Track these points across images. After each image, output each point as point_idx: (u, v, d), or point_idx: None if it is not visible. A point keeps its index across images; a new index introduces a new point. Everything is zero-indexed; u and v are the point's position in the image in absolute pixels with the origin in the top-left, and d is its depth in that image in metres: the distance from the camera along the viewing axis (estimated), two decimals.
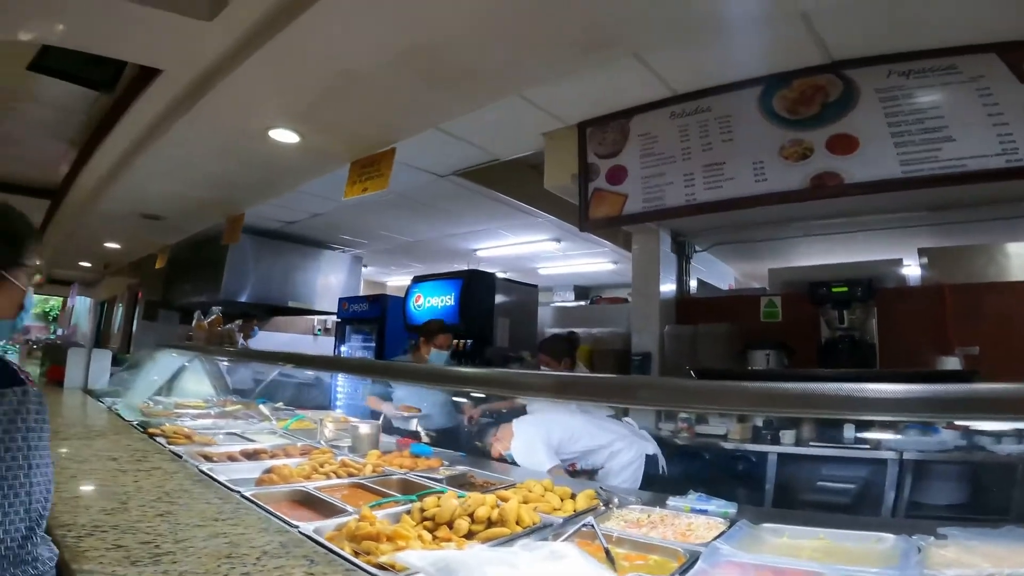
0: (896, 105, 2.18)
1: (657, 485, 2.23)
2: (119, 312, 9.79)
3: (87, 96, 4.03)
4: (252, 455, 2.33)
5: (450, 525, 1.58)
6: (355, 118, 2.98)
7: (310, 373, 5.61)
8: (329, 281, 7.01)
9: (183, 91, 2.90)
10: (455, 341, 4.22)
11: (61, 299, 13.89)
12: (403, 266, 8.19)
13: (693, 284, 4.18)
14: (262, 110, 2.98)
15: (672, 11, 2.02)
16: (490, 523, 1.58)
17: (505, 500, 1.68)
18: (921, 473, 2.54)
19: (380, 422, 2.84)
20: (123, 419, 2.97)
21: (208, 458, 2.23)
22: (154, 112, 3.22)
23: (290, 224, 6.17)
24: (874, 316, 2.87)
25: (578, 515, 1.73)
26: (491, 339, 4.31)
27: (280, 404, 3.90)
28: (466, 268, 5.02)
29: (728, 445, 2.95)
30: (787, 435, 2.85)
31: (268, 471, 2.10)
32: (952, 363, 2.69)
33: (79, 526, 1.29)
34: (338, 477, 2.10)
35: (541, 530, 1.59)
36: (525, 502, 1.72)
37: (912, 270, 3.48)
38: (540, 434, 2.39)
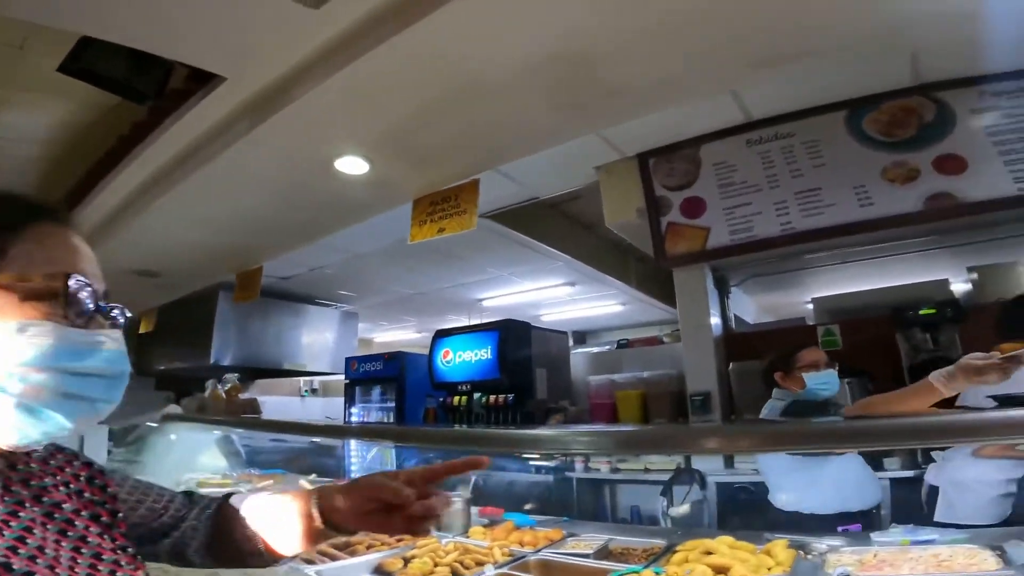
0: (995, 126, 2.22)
1: None
2: None
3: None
4: (343, 547, 2.00)
5: None
6: (448, 143, 2.52)
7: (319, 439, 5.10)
8: (322, 339, 6.56)
9: (244, 107, 2.36)
10: (494, 397, 3.94)
11: None
12: (396, 321, 7.80)
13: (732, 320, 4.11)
14: (341, 132, 2.45)
15: (863, 21, 1.83)
16: None
17: (722, 569, 1.45)
18: None
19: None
20: None
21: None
22: (191, 137, 2.64)
23: (284, 280, 5.75)
24: (957, 336, 2.86)
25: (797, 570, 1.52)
26: (532, 392, 4.04)
27: (314, 476, 3.47)
28: (484, 320, 4.78)
29: None
30: None
31: (382, 571, 1.81)
32: None
33: None
34: (467, 569, 1.80)
35: None
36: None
37: (960, 288, 3.53)
38: None
